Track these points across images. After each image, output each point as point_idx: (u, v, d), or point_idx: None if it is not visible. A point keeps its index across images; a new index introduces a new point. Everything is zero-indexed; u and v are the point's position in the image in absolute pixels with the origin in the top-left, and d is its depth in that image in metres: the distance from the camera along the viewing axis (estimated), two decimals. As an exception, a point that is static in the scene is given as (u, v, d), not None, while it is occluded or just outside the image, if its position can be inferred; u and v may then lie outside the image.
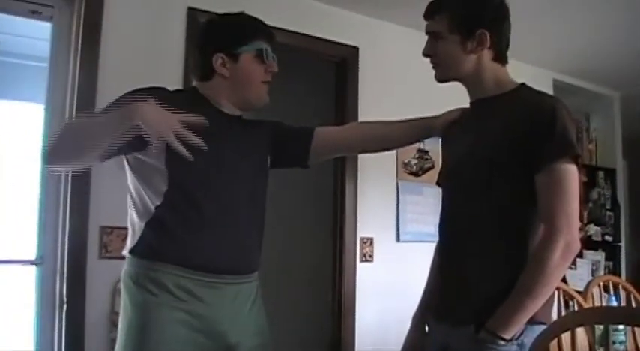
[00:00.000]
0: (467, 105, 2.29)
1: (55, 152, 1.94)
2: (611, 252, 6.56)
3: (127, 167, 2.15)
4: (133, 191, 2.15)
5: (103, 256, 3.32)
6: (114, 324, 3.20)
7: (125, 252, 2.16)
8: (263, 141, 2.38)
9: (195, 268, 2.07)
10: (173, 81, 3.62)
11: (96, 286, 3.29)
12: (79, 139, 1.95)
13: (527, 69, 5.43)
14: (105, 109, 1.98)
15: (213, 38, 2.22)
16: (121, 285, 2.15)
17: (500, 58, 2.14)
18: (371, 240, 4.52)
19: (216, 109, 2.23)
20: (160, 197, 2.05)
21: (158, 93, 1.99)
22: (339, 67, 4.62)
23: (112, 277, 3.29)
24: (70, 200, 3.26)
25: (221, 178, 2.13)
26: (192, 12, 3.76)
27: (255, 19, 2.26)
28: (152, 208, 2.07)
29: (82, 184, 3.27)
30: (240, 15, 2.26)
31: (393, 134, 2.54)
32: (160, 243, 2.07)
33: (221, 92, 2.22)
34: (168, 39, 3.72)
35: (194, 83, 2.32)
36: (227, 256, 2.13)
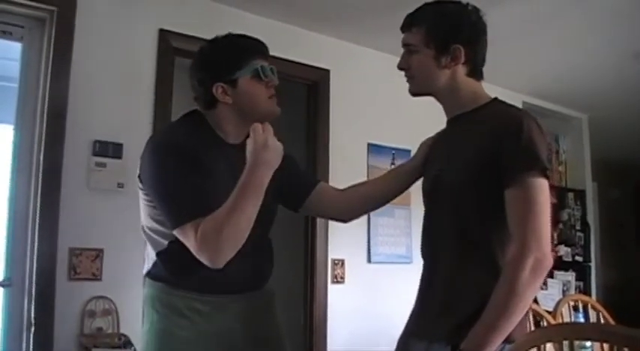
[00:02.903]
0: (436, 126, 2.30)
1: (229, 253, 1.93)
2: (582, 272, 6.62)
3: (141, 201, 2.13)
4: (146, 224, 2.14)
5: (72, 277, 3.28)
6: (83, 346, 3.18)
7: (143, 272, 2.19)
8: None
9: (208, 292, 2.08)
10: (145, 103, 3.65)
11: (65, 308, 3.25)
12: (241, 224, 1.94)
13: (497, 91, 5.38)
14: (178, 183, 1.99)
15: (208, 68, 2.18)
16: (143, 304, 2.18)
17: (475, 73, 2.13)
18: (342, 261, 4.51)
19: (222, 140, 2.20)
20: (172, 236, 2.01)
21: (184, 148, 2.03)
22: (310, 89, 4.65)
23: (81, 298, 3.28)
24: (39, 221, 3.23)
25: None
26: (163, 33, 3.77)
27: (245, 37, 2.23)
28: (165, 243, 2.08)
29: (51, 206, 3.24)
30: (229, 37, 2.23)
31: (389, 188, 2.48)
32: (170, 272, 2.09)
33: (229, 119, 2.19)
34: (140, 61, 3.72)
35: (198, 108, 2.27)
36: (238, 279, 2.12)
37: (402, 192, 2.48)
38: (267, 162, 1.98)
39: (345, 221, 2.54)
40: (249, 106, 2.16)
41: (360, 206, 2.51)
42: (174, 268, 2.08)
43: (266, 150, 1.98)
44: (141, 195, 2.12)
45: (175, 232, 1.96)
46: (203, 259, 1.90)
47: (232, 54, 2.17)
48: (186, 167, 1.98)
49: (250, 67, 2.14)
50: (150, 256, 2.15)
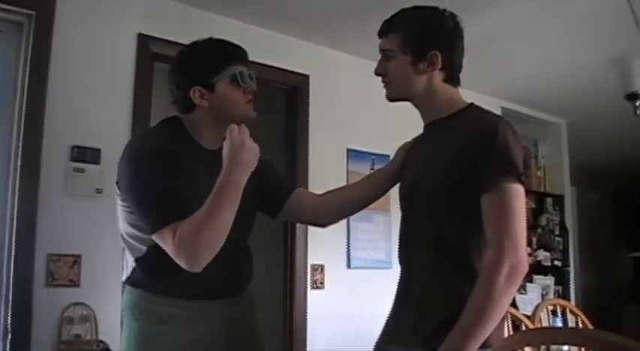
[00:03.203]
0: (416, 132, 2.31)
1: (207, 256, 1.94)
2: (561, 277, 6.67)
3: (119, 207, 2.12)
4: (124, 230, 2.13)
5: (49, 284, 3.25)
6: (60, 353, 3.16)
7: (122, 279, 2.18)
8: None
9: (187, 298, 2.08)
10: (123, 108, 3.63)
11: (42, 314, 3.22)
12: (218, 226, 1.94)
13: (475, 97, 5.41)
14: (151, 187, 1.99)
15: (186, 72, 2.18)
16: (123, 312, 2.17)
17: (452, 79, 2.14)
18: (322, 267, 4.52)
19: (200, 146, 2.20)
20: (150, 241, 2.01)
21: (162, 153, 2.04)
22: (289, 94, 4.66)
23: (58, 305, 3.25)
24: (16, 227, 3.20)
25: None
26: (142, 38, 3.76)
27: (224, 42, 2.22)
28: (144, 248, 2.07)
29: (28, 211, 3.22)
30: (209, 42, 2.22)
31: (366, 193, 2.49)
32: (149, 278, 2.08)
33: (205, 123, 2.19)
34: (119, 66, 3.70)
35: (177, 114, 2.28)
36: (218, 283, 2.12)
37: (379, 197, 2.49)
38: (244, 162, 1.99)
39: (323, 226, 2.55)
40: (225, 110, 2.16)
41: (337, 211, 2.51)
42: (153, 274, 2.08)
43: (242, 150, 1.98)
44: (118, 201, 2.11)
45: (154, 237, 1.95)
46: (181, 263, 1.91)
47: (211, 58, 2.17)
48: (163, 172, 1.98)
49: (228, 72, 2.15)
50: (129, 263, 2.14)
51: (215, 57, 2.17)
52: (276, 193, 2.43)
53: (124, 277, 2.17)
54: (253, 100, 2.23)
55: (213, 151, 2.20)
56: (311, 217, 2.55)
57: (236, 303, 2.23)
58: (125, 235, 2.12)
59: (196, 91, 2.12)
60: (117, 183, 2.09)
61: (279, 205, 2.43)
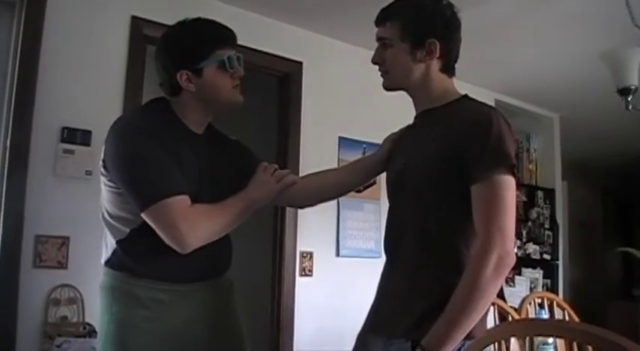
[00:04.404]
0: (408, 121, 2.30)
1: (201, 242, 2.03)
2: (549, 270, 6.68)
3: (104, 187, 2.10)
4: (108, 212, 2.11)
5: (37, 265, 3.25)
6: (47, 335, 3.15)
7: (102, 261, 2.15)
8: (231, 163, 2.33)
9: (169, 280, 2.07)
10: (115, 90, 3.62)
11: (29, 296, 3.22)
12: (226, 224, 2.11)
13: (469, 89, 5.39)
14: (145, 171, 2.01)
15: (174, 56, 2.15)
16: (99, 294, 2.14)
17: (448, 69, 2.13)
18: (310, 254, 4.52)
19: (186, 128, 2.19)
20: (134, 223, 2.01)
21: (151, 129, 2.05)
22: (282, 81, 4.65)
23: (45, 287, 3.26)
24: (4, 208, 3.20)
25: (194, 197, 2.05)
26: (135, 20, 3.75)
27: (212, 23, 2.19)
28: (127, 230, 2.05)
29: (17, 192, 3.21)
30: (196, 23, 2.19)
31: (347, 178, 2.50)
32: (131, 260, 2.06)
33: (191, 107, 2.17)
34: (111, 48, 3.69)
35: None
36: (200, 265, 2.11)
37: (360, 185, 2.51)
38: (261, 202, 2.22)
39: (301, 208, 2.59)
40: (212, 95, 2.16)
41: (316, 195, 2.50)
42: (135, 256, 2.06)
43: (268, 197, 2.25)
44: (104, 181, 2.09)
45: (145, 213, 1.95)
46: (172, 239, 1.94)
47: (199, 42, 2.14)
48: (156, 147, 1.98)
49: (216, 57, 2.13)
50: (109, 245, 2.11)
51: (203, 41, 2.15)
52: None
53: (103, 259, 2.14)
54: (241, 83, 2.22)
55: (199, 134, 2.21)
56: (290, 200, 2.57)
57: (218, 286, 2.25)
58: (108, 217, 2.10)
59: (184, 74, 2.10)
60: (103, 161, 2.06)
61: None
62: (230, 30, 2.21)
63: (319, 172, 2.56)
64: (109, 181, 2.05)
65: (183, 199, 1.97)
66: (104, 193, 2.11)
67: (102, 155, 2.08)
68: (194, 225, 1.95)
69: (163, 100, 2.23)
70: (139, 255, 2.06)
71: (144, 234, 1.96)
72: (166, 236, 1.94)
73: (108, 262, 2.12)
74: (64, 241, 3.31)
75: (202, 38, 2.15)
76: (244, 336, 2.35)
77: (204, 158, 2.15)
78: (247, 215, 2.13)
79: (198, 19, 2.20)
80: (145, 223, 1.98)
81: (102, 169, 2.07)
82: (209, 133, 2.29)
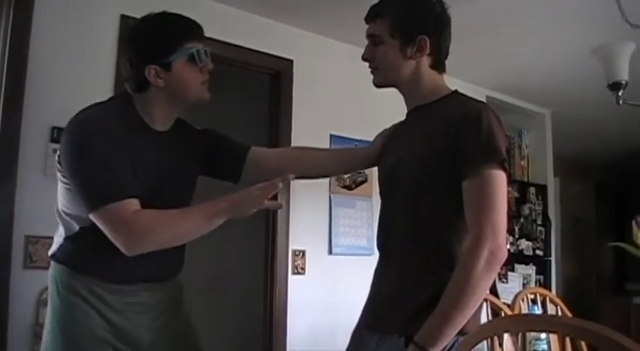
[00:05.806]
0: (398, 118, 2.30)
1: (150, 247, 1.99)
2: (542, 266, 6.70)
3: (59, 183, 2.07)
4: (62, 208, 2.09)
5: (27, 266, 3.25)
6: (38, 336, 3.13)
7: (49, 254, 2.14)
8: (193, 154, 2.31)
9: (113, 281, 2.06)
10: (104, 90, 3.58)
11: (20, 296, 3.21)
12: (182, 230, 2.05)
13: (460, 85, 5.40)
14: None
15: (141, 50, 2.10)
16: (48, 287, 2.12)
17: (438, 65, 2.14)
18: (303, 252, 4.51)
19: (148, 126, 2.15)
20: (86, 221, 1.98)
21: (107, 128, 2.00)
22: (273, 79, 4.63)
23: (36, 287, 3.23)
24: (-6, 208, 3.18)
25: (148, 200, 2.02)
26: (125, 19, 3.72)
27: (180, 17, 2.16)
28: (77, 227, 2.04)
29: (7, 192, 3.20)
30: (163, 16, 2.15)
31: (331, 163, 2.51)
32: (78, 256, 2.06)
33: (157, 103, 2.13)
34: (101, 47, 3.67)
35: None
36: (147, 269, 2.09)
37: (339, 173, 2.54)
38: (242, 211, 2.09)
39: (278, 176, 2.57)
40: (180, 90, 2.13)
41: (298, 170, 2.36)
42: (81, 253, 2.05)
43: (251, 206, 2.09)
44: (59, 177, 2.05)
45: (93, 214, 1.93)
46: (119, 241, 1.92)
47: (167, 36, 2.11)
48: (108, 149, 1.94)
49: (185, 51, 2.09)
50: (58, 239, 2.11)
51: (171, 35, 2.11)
52: (231, 160, 2.41)
53: (50, 252, 2.13)
54: (208, 80, 2.20)
55: (161, 132, 2.18)
56: (267, 175, 2.43)
57: (164, 289, 2.21)
58: (62, 213, 2.08)
59: (152, 69, 2.06)
60: (58, 157, 2.03)
61: (238, 170, 2.40)
62: (197, 23, 2.19)
63: (310, 149, 2.59)
64: (64, 177, 2.03)
65: (131, 203, 1.94)
66: (59, 189, 2.08)
67: (58, 151, 2.06)
68: (140, 229, 1.92)
69: (126, 96, 2.18)
70: (84, 252, 2.05)
71: (92, 233, 1.95)
72: (112, 239, 1.92)
73: (54, 256, 2.11)
74: (55, 241, 3.28)
75: (171, 31, 2.12)
76: (197, 339, 2.34)
77: (166, 156, 2.13)
78: (221, 218, 2.04)
79: (165, 13, 2.16)
80: (92, 224, 1.96)
81: (57, 165, 2.04)
82: (174, 129, 2.25)
